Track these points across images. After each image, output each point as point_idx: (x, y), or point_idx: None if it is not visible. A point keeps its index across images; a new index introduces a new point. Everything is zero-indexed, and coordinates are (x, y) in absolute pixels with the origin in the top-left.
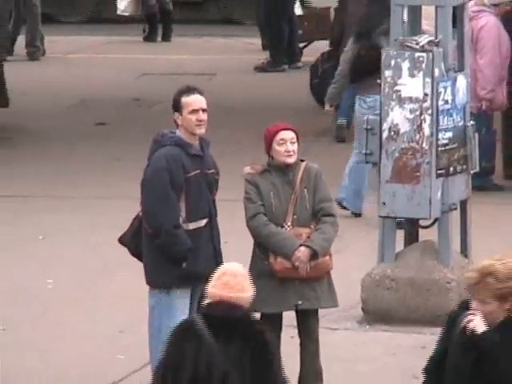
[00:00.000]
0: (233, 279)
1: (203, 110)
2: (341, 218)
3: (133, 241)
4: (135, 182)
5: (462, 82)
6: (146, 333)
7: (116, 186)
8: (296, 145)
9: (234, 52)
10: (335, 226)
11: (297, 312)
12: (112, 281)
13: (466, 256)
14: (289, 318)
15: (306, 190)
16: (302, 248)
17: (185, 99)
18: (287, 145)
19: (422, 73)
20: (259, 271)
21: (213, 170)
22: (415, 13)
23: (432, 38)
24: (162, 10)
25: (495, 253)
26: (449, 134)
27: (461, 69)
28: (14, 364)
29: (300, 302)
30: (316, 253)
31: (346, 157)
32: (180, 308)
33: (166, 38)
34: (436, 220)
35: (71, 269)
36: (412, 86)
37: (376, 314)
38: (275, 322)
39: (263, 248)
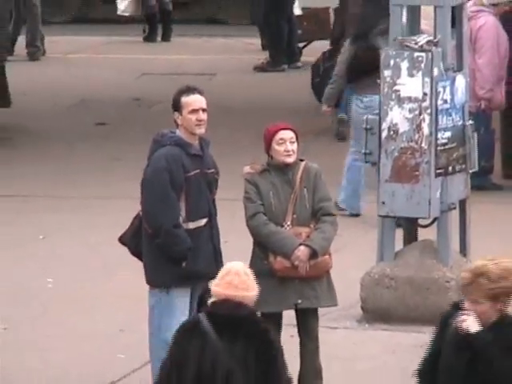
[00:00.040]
0: (237, 278)
1: (203, 110)
2: (340, 218)
3: (133, 240)
4: (135, 182)
5: (460, 81)
6: (146, 332)
7: (116, 186)
8: (295, 144)
9: (233, 52)
10: (335, 225)
11: (296, 311)
12: (112, 280)
13: (465, 255)
14: (288, 316)
15: (305, 189)
16: (302, 247)
17: (185, 99)
18: (286, 144)
19: (421, 72)
20: (259, 270)
21: (212, 170)
22: (414, 13)
23: (431, 37)
24: (161, 10)
25: (494, 252)
26: (448, 134)
27: (460, 68)
28: (14, 363)
29: (300, 301)
30: (315, 252)
31: (345, 156)
32: (180, 307)
33: (166, 38)
34: (435, 219)
35: (71, 268)
36: (411, 85)
37: (375, 313)
38: (275, 321)
39: (263, 247)
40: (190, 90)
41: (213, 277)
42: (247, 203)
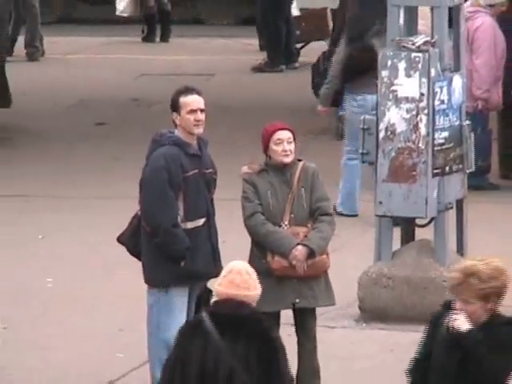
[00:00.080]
0: (238, 277)
1: (201, 110)
2: (338, 218)
3: (131, 240)
4: (134, 182)
5: (457, 81)
6: (145, 331)
7: (115, 186)
8: (293, 144)
9: (231, 53)
10: (332, 224)
11: (294, 310)
12: (111, 280)
13: (462, 255)
14: (286, 316)
15: (303, 189)
16: (299, 247)
17: (183, 99)
18: (284, 144)
19: (418, 73)
20: (257, 270)
21: (211, 170)
22: (411, 13)
23: (428, 38)
24: (160, 10)
25: (491, 251)
26: (445, 134)
27: (457, 69)
28: (14, 363)
29: (297, 301)
30: (313, 251)
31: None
32: (178, 306)
33: (165, 38)
34: (432, 219)
35: (71, 268)
36: (408, 86)
37: (373, 312)
38: (273, 320)
39: (261, 247)
40: (188, 91)
41: (211, 276)
42: (245, 203)
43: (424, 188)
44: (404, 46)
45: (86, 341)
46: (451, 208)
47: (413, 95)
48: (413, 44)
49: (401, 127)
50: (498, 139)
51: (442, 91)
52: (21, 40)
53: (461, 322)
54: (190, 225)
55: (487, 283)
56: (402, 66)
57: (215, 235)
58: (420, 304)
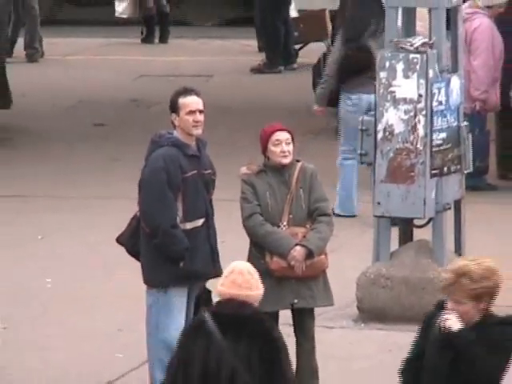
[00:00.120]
0: (240, 277)
1: (200, 111)
2: (336, 218)
3: (130, 240)
4: (134, 182)
5: (455, 83)
6: (144, 331)
7: (115, 186)
8: (291, 145)
9: (230, 54)
10: (331, 225)
11: (293, 311)
12: (111, 280)
13: (460, 255)
14: (285, 316)
15: (301, 190)
16: (298, 247)
17: (182, 100)
18: (282, 145)
19: (416, 74)
20: (256, 270)
21: (209, 171)
22: (409, 15)
23: (426, 39)
24: (159, 12)
25: (489, 252)
26: (443, 135)
27: (455, 70)
28: (14, 363)
29: (296, 301)
30: (311, 252)
31: None
32: (177, 307)
33: (164, 39)
34: (430, 219)
35: (70, 268)
36: (406, 87)
37: (371, 313)
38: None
39: (259, 247)
40: (187, 92)
41: (210, 277)
42: (244, 204)
43: (422, 189)
44: (402, 48)
45: (85, 341)
46: (449, 209)
47: (411, 96)
48: (411, 45)
49: (399, 128)
50: (496, 140)
51: (439, 92)
52: (20, 41)
53: (452, 322)
54: (188, 225)
55: (479, 283)
56: (400, 67)
57: (214, 236)
58: (418, 304)
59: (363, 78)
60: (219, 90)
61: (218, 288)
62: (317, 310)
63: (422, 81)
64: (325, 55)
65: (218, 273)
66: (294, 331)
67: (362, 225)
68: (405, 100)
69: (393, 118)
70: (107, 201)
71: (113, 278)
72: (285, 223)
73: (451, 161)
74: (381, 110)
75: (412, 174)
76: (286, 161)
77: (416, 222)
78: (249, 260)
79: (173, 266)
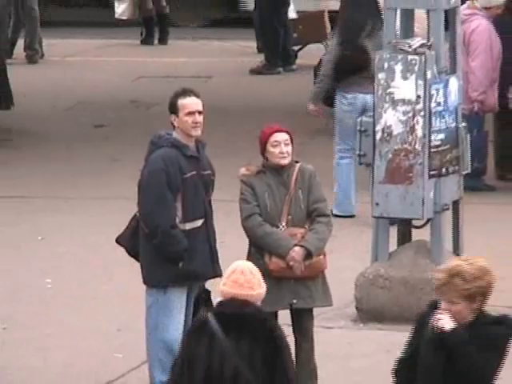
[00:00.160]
0: (242, 277)
1: (199, 113)
2: (335, 218)
3: (130, 241)
4: (133, 183)
5: (454, 84)
6: (144, 331)
7: (114, 187)
8: (290, 146)
9: (229, 55)
10: (329, 226)
11: (291, 311)
12: (111, 280)
13: (458, 255)
14: (283, 316)
15: (300, 190)
16: (297, 248)
17: (181, 101)
18: (281, 146)
19: (414, 75)
20: None
21: (209, 171)
22: (408, 16)
23: (424, 41)
24: (158, 13)
25: (487, 252)
26: (441, 136)
27: (453, 71)
28: (14, 362)
29: (295, 301)
30: (310, 252)
31: None
32: (177, 307)
33: (163, 41)
34: (429, 220)
35: (70, 268)
36: (405, 88)
37: (370, 313)
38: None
39: (258, 248)
40: (186, 93)
41: (209, 277)
42: (243, 204)
43: (420, 189)
44: (401, 49)
45: (85, 341)
46: (447, 209)
47: (409, 97)
48: (409, 46)
49: (397, 129)
50: (494, 141)
51: (438, 93)
52: (20, 43)
53: (445, 322)
54: (188, 226)
55: (472, 283)
56: (398, 68)
57: (213, 236)
58: (416, 305)
59: (359, 78)
60: (218, 91)
61: (221, 288)
62: (316, 310)
63: (421, 82)
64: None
65: (217, 273)
66: (293, 331)
67: (360, 225)
68: (403, 101)
69: (391, 118)
70: (107, 201)
71: (112, 278)
72: (284, 224)
73: (449, 162)
74: (379, 111)
75: (410, 174)
76: (285, 162)
77: (414, 222)
78: (248, 260)
79: (172, 267)
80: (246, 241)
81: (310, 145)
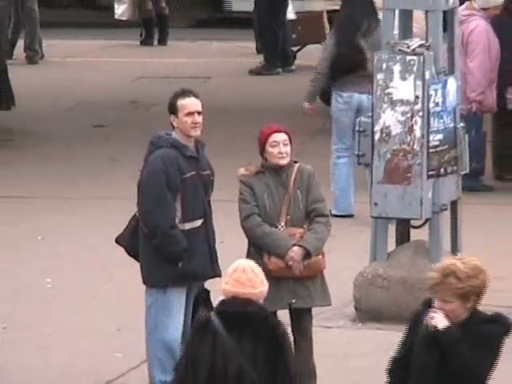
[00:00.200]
0: (244, 276)
1: (198, 113)
2: (333, 218)
3: (130, 241)
4: (133, 183)
5: (452, 84)
6: (143, 331)
7: (114, 187)
8: (289, 147)
9: (228, 55)
10: (328, 225)
11: (290, 310)
12: (110, 280)
13: (456, 255)
14: (282, 316)
15: (299, 190)
16: (296, 248)
17: (180, 102)
18: (280, 147)
19: (413, 76)
20: None
21: (208, 172)
22: (406, 17)
23: (423, 41)
24: (158, 14)
25: (485, 252)
26: (439, 136)
27: (451, 72)
28: (14, 362)
29: (294, 301)
30: (309, 252)
31: None
32: (176, 307)
33: (162, 41)
34: (427, 220)
35: (70, 268)
36: (403, 88)
37: (368, 313)
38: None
39: (257, 247)
40: (185, 93)
41: (208, 277)
42: (242, 204)
43: (419, 189)
44: (399, 50)
45: (85, 340)
46: (446, 209)
47: (408, 98)
48: (408, 47)
49: (396, 129)
50: (492, 141)
51: (436, 94)
52: (20, 43)
53: (438, 320)
54: (187, 226)
55: (465, 282)
56: (397, 68)
57: (212, 236)
58: (415, 304)
59: (355, 77)
60: (217, 91)
61: (223, 286)
62: (315, 310)
63: (419, 82)
64: None
65: (216, 273)
66: (292, 331)
67: (359, 225)
68: (402, 101)
69: (390, 119)
70: (107, 201)
71: (112, 278)
72: (282, 224)
73: (448, 162)
74: (378, 111)
75: (409, 174)
76: (284, 162)
77: (413, 222)
78: None
79: (172, 267)
80: (246, 241)
81: (309, 145)
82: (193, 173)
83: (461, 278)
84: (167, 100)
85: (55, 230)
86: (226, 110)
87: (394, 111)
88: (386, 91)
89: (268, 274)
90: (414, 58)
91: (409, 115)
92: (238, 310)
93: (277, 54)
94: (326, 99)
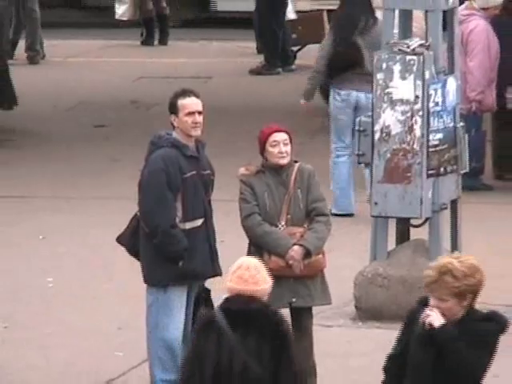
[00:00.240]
0: (247, 273)
1: (199, 113)
2: (333, 217)
3: (130, 240)
4: (134, 183)
5: (452, 84)
6: (144, 330)
7: (115, 187)
8: (289, 146)
9: (229, 55)
10: (328, 225)
11: (291, 309)
12: (111, 279)
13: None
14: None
15: (299, 190)
16: (296, 247)
17: (181, 102)
18: (280, 146)
19: (413, 75)
20: None
21: (208, 171)
22: (406, 17)
23: (423, 41)
24: (158, 14)
25: (485, 251)
26: (439, 135)
27: (451, 71)
28: (15, 361)
29: (294, 300)
30: (309, 251)
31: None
32: (177, 306)
33: (163, 41)
34: (427, 219)
35: (71, 268)
36: (403, 88)
37: (368, 311)
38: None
39: (258, 247)
40: (186, 93)
41: (209, 276)
42: (242, 204)
43: (419, 189)
44: (399, 49)
45: (85, 339)
46: (445, 208)
47: (408, 97)
48: (408, 47)
49: (396, 129)
50: (492, 141)
51: (436, 93)
52: (21, 44)
53: (434, 318)
54: (188, 225)
55: (462, 281)
56: (397, 68)
57: (213, 235)
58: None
59: (352, 75)
60: (218, 91)
61: (226, 284)
62: (315, 309)
63: (419, 82)
64: None
65: (216, 272)
66: (292, 330)
67: (359, 224)
68: (402, 101)
69: (390, 118)
70: (107, 201)
71: (113, 277)
72: (283, 223)
73: (447, 161)
74: (378, 110)
75: (409, 174)
76: (284, 161)
77: (413, 221)
78: None
79: (172, 266)
80: (246, 240)
81: (310, 144)
82: (193, 172)
83: (457, 276)
84: (168, 100)
85: (56, 230)
86: (226, 110)
87: (393, 111)
88: (386, 91)
89: (268, 272)
90: (414, 57)
91: (409, 115)
92: (242, 308)
93: (277, 54)
94: (327, 96)
